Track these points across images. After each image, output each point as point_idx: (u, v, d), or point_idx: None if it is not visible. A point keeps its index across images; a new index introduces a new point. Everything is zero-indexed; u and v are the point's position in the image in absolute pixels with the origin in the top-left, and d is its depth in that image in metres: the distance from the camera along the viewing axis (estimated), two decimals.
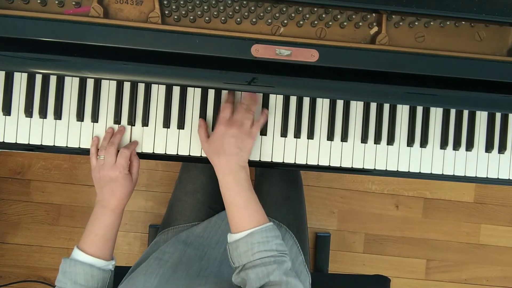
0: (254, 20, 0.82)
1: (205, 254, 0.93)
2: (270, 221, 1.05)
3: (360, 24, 0.84)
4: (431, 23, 0.84)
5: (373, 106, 0.94)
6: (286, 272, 0.74)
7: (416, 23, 0.83)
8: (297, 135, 0.93)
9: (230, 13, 0.81)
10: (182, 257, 0.90)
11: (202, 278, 0.83)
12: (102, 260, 0.83)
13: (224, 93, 0.92)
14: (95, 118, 0.89)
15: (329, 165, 0.94)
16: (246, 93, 0.88)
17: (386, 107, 0.94)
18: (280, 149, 0.93)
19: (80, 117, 0.89)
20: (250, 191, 0.81)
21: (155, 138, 0.91)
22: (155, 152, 0.91)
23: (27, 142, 0.89)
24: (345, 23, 0.83)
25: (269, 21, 0.83)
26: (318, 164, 0.94)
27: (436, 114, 0.95)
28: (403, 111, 0.95)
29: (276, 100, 0.92)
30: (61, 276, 0.81)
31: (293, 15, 0.82)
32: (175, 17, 0.82)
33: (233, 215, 0.80)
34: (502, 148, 0.96)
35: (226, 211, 0.82)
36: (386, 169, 0.95)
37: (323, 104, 0.93)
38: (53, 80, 0.89)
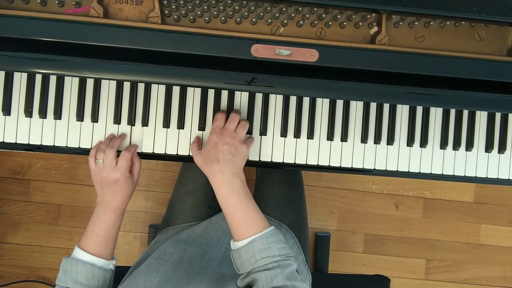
0: (254, 20, 0.82)
1: (206, 253, 0.93)
2: (271, 221, 1.06)
3: (360, 24, 0.84)
4: (431, 23, 0.84)
5: (373, 106, 0.94)
6: (290, 276, 0.73)
7: (416, 23, 0.83)
8: (297, 135, 0.93)
9: (230, 13, 0.81)
10: (183, 256, 0.90)
11: (203, 276, 0.84)
12: (103, 260, 0.83)
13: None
14: (95, 118, 0.89)
15: (329, 165, 0.94)
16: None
17: (386, 107, 0.94)
18: (280, 149, 0.93)
19: (80, 117, 0.89)
20: (247, 198, 0.80)
21: (155, 138, 0.91)
22: (155, 152, 0.91)
23: (27, 142, 0.89)
24: (345, 23, 0.83)
25: (269, 21, 0.83)
26: (318, 164, 0.94)
27: (436, 114, 0.95)
28: (403, 111, 0.95)
29: (276, 100, 0.92)
30: (62, 275, 0.81)
31: (293, 15, 0.82)
32: (175, 17, 0.82)
33: (232, 224, 0.79)
34: (502, 148, 0.96)
35: (226, 220, 0.81)
36: (386, 169, 0.95)
37: (323, 104, 0.93)
38: (53, 80, 0.89)
